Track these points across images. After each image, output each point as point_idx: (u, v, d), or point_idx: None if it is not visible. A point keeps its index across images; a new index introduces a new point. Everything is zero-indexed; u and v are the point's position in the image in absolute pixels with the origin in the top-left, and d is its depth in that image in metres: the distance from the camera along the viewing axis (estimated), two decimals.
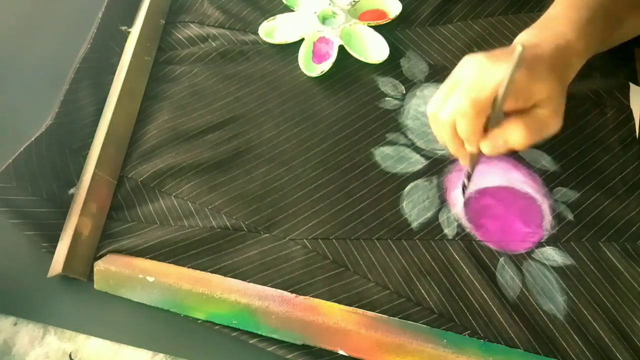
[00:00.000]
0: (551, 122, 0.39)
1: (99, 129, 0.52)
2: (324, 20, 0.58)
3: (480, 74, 0.38)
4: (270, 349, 0.41)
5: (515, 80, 0.36)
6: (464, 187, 0.47)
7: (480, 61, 0.39)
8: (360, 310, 0.43)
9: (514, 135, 0.38)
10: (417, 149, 0.51)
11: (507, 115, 0.39)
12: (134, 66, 0.55)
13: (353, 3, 0.59)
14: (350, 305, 0.43)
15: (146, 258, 0.46)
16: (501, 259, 0.45)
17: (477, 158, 0.42)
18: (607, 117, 0.51)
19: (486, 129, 0.39)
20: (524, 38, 0.41)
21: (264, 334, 0.42)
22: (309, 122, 0.53)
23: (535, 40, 0.40)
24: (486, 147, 0.39)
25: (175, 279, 0.44)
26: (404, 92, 0.54)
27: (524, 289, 0.44)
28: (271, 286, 0.44)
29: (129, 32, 0.59)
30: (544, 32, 0.41)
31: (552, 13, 0.43)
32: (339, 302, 0.43)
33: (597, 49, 0.44)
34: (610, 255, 0.45)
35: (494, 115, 0.38)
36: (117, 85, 0.54)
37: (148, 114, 0.54)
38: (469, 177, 0.45)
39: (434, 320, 0.43)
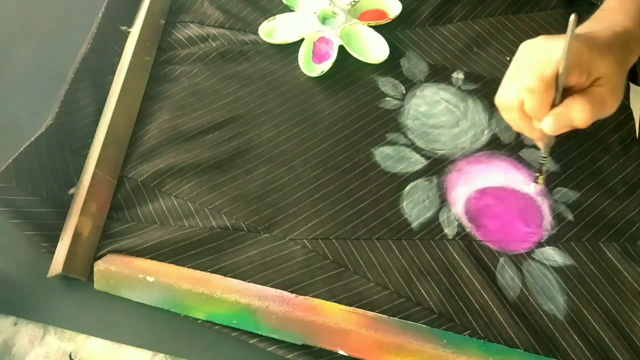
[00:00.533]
0: (609, 100, 0.39)
1: (99, 129, 0.52)
2: (324, 20, 0.58)
3: (541, 52, 0.39)
4: (270, 349, 0.41)
5: (574, 50, 0.36)
6: (540, 171, 0.46)
7: (538, 42, 0.40)
8: (360, 310, 0.43)
9: (577, 111, 0.38)
10: (417, 149, 0.51)
11: (567, 95, 0.39)
12: (134, 66, 0.55)
13: (353, 3, 0.59)
14: (350, 305, 0.43)
15: (146, 258, 0.46)
16: (501, 259, 0.45)
17: (551, 137, 0.43)
18: (607, 117, 0.51)
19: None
20: (582, 30, 0.42)
21: (264, 334, 0.42)
22: (309, 122, 0.53)
23: (592, 30, 0.41)
24: (549, 124, 0.39)
25: (175, 279, 0.44)
26: (404, 92, 0.54)
27: (524, 289, 0.44)
28: (271, 286, 0.44)
29: (129, 32, 0.59)
30: (600, 23, 0.42)
31: (606, 7, 0.44)
32: (339, 302, 0.43)
33: None
34: (610, 255, 0.45)
35: (558, 92, 0.39)
36: (117, 85, 0.54)
37: (148, 114, 0.54)
38: (544, 158, 0.45)
39: (434, 320, 0.43)
